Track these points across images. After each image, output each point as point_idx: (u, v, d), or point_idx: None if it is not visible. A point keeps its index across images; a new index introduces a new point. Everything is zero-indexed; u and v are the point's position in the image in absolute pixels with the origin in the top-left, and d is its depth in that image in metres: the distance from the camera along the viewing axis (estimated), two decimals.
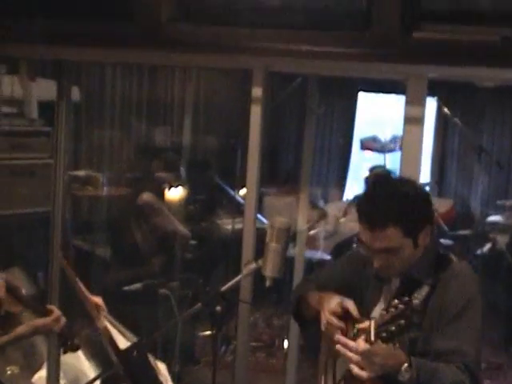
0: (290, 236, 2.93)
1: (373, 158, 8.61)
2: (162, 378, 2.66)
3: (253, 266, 3.00)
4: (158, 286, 5.44)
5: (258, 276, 3.08)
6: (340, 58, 3.36)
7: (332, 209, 7.40)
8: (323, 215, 6.45)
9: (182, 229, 6.05)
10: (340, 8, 3.37)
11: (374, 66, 3.42)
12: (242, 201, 7.00)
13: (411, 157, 3.43)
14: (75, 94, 5.66)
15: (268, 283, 2.98)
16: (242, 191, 7.21)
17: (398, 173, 7.10)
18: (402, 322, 2.40)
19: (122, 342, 2.52)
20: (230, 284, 3.03)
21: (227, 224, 7.20)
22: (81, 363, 4.72)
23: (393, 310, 2.43)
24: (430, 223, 2.66)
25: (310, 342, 3.07)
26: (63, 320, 2.95)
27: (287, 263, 3.01)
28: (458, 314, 2.56)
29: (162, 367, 3.01)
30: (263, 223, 6.20)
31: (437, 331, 2.56)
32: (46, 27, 3.55)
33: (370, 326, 2.46)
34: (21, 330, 2.95)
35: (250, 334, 4.70)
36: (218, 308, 2.95)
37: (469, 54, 3.22)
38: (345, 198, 8.58)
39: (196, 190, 6.83)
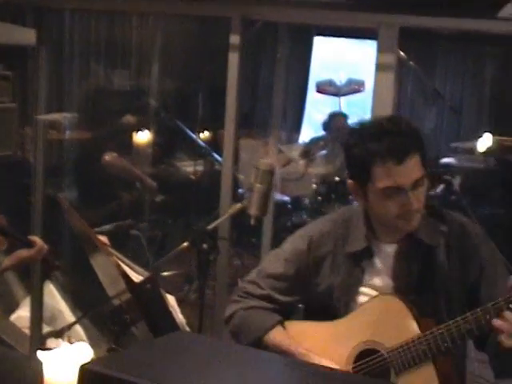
0: (273, 177, 3.10)
1: (327, 102, 8.75)
2: (171, 309, 2.83)
3: (238, 205, 3.16)
4: (129, 227, 5.57)
5: None
6: (316, 7, 3.50)
7: (289, 150, 7.55)
8: (289, 160, 6.60)
9: (149, 180, 6.18)
10: None
11: (348, 14, 3.56)
12: (202, 144, 7.15)
13: (383, 104, 3.50)
14: (32, 37, 5.62)
15: (252, 222, 3.13)
16: (203, 134, 7.36)
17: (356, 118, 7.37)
18: None
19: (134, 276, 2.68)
20: (216, 222, 3.17)
21: (188, 166, 7.34)
22: (57, 302, 4.87)
23: None
24: None
25: None
26: (46, 248, 3.05)
27: None
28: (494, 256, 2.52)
29: (171, 299, 3.16)
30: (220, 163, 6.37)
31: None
32: None
33: None
34: (7, 262, 3.04)
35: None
36: (205, 245, 3.11)
37: (440, 4, 3.38)
38: (300, 141, 8.75)
39: (156, 132, 6.91)
